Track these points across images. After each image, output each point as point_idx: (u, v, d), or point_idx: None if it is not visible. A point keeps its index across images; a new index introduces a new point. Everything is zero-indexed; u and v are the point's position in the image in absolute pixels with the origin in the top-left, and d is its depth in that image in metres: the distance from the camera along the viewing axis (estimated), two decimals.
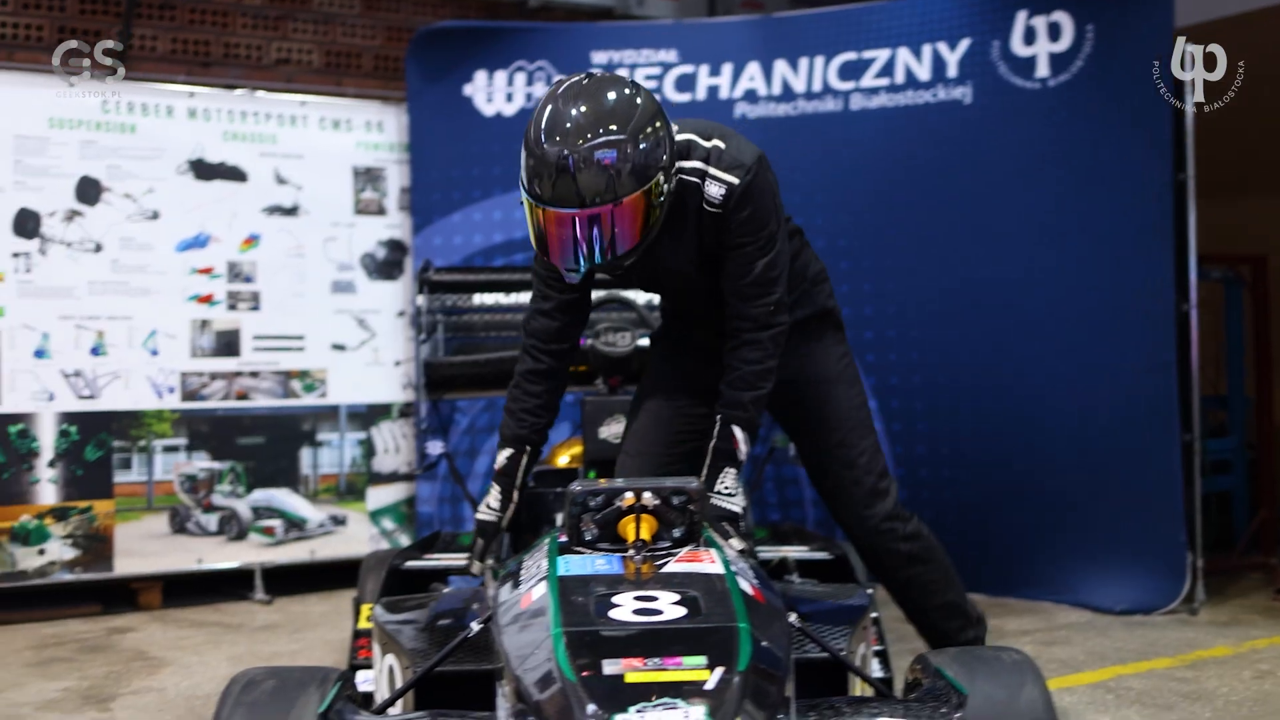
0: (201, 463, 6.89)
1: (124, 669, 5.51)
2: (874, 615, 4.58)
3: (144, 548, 6.75)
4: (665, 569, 2.90)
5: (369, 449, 7.22)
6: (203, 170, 6.90)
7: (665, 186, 3.39)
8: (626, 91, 3.38)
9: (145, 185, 6.76)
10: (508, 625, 2.74)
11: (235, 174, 6.98)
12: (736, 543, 3.58)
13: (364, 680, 4.00)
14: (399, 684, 3.53)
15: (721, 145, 3.57)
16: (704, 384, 3.90)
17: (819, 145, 6.83)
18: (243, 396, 6.97)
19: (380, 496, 7.30)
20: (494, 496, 3.90)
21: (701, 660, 2.37)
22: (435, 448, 4.87)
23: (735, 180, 3.50)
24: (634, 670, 2.34)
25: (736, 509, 3.71)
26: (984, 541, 6.53)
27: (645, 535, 3.04)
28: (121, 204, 6.70)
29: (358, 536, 7.21)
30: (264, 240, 7.03)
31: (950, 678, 2.91)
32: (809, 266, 4.07)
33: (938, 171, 6.60)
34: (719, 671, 2.33)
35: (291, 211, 7.11)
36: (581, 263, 3.37)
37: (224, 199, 6.94)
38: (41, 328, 6.51)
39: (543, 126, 3.30)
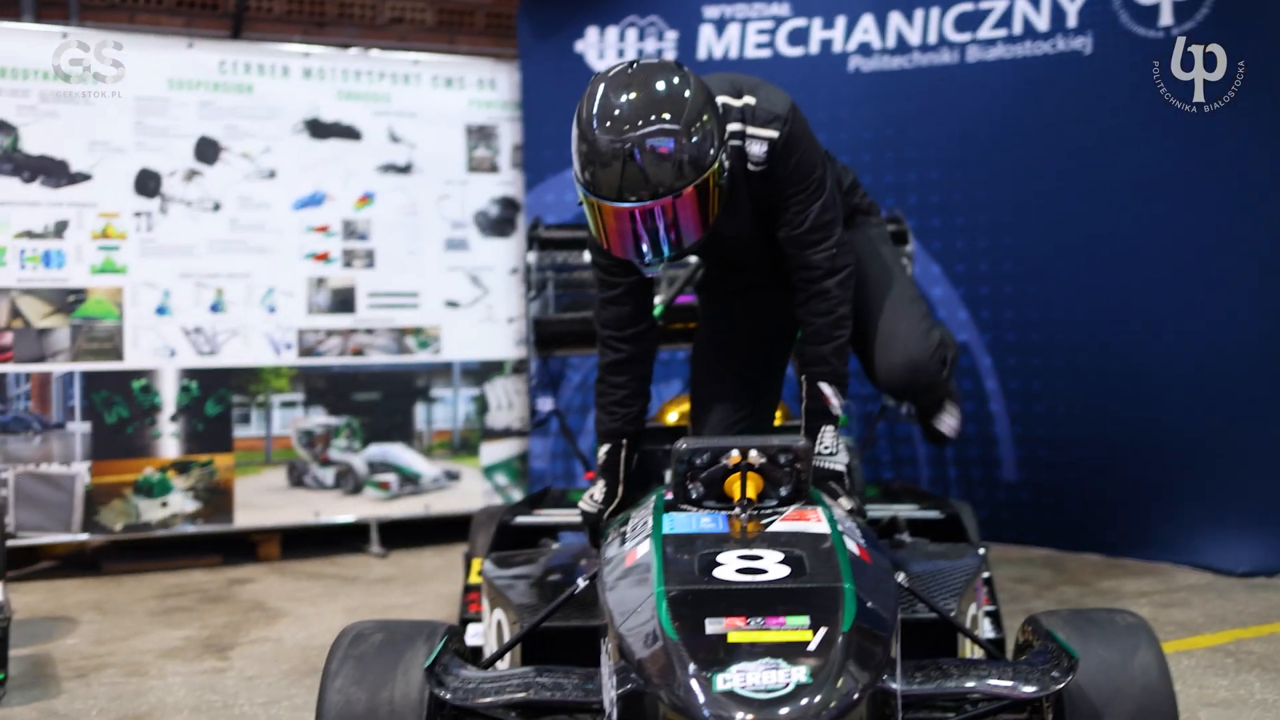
0: (318, 418, 7.00)
1: (242, 619, 5.63)
2: (986, 575, 4.53)
3: (263, 501, 6.88)
4: (770, 528, 2.87)
5: (482, 405, 7.28)
6: (318, 129, 6.97)
7: (724, 169, 3.32)
8: (675, 80, 3.26)
9: (262, 144, 6.85)
10: (612, 582, 2.74)
11: (350, 133, 7.04)
12: (845, 502, 3.55)
13: (474, 634, 4.05)
14: (506, 638, 3.56)
15: (752, 101, 3.46)
16: (758, 333, 3.90)
17: (934, 99, 6.71)
18: (358, 353, 7.06)
19: (493, 452, 7.36)
20: (599, 489, 3.86)
21: (805, 620, 2.35)
22: (545, 404, 4.89)
23: (775, 134, 3.41)
24: (736, 630, 2.33)
25: (839, 467, 3.65)
26: (1102, 502, 6.42)
27: (751, 494, 3.02)
28: (239, 163, 6.80)
29: (471, 492, 7.28)
30: (378, 198, 7.10)
31: (1062, 641, 2.86)
32: (841, 181, 3.96)
33: (1055, 124, 6.43)
34: (822, 632, 2.31)
35: (405, 170, 7.16)
36: (648, 255, 3.30)
37: (339, 157, 7.01)
38: (162, 285, 6.65)
39: (594, 114, 3.20)
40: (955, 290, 6.68)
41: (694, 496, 3.08)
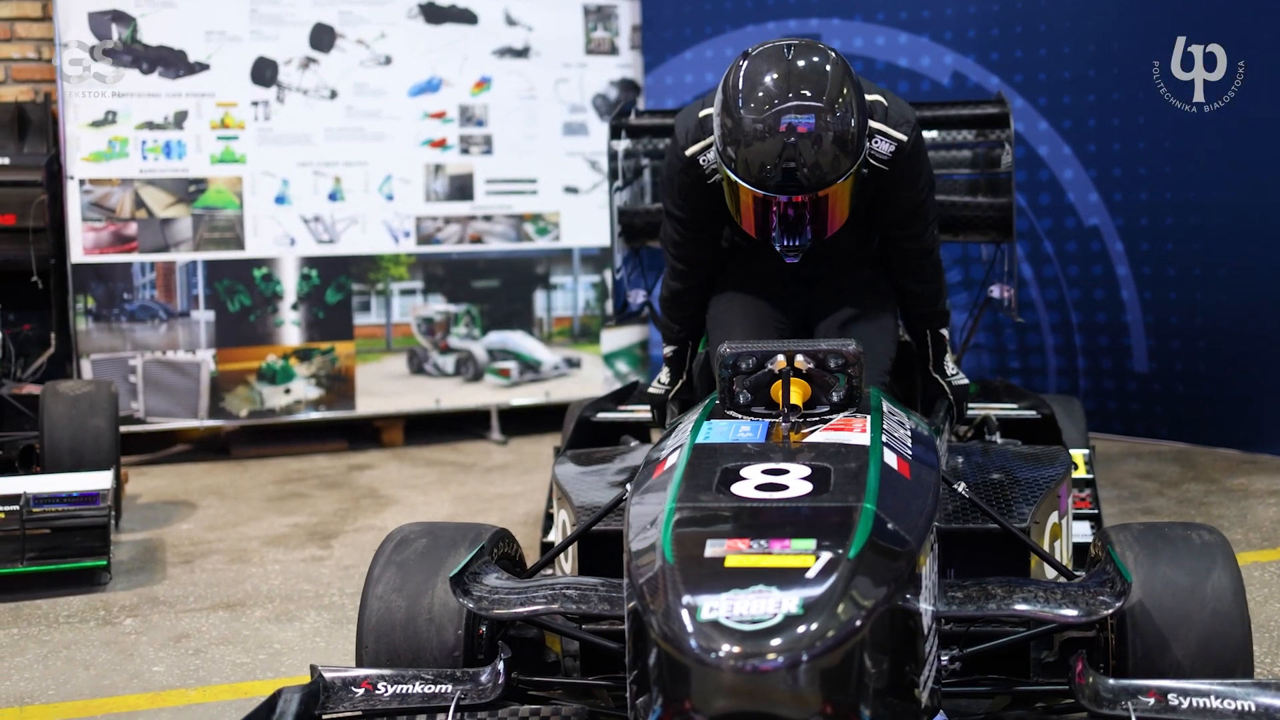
0: (437, 305, 7.02)
1: (353, 506, 5.73)
2: (1087, 477, 4.36)
3: (384, 388, 6.96)
4: (809, 439, 2.75)
5: (602, 292, 7.22)
6: (433, 14, 6.90)
7: (869, 154, 3.31)
8: (829, 64, 3.13)
9: (377, 30, 6.81)
10: (637, 494, 2.66)
11: (466, 16, 6.96)
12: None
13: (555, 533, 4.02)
14: None
15: (884, 101, 3.39)
16: (788, 318, 3.76)
17: None
18: (476, 240, 7.04)
19: (614, 339, 7.32)
20: (665, 374, 3.96)
21: (810, 544, 2.24)
22: (638, 296, 4.79)
23: (904, 137, 3.37)
24: (736, 553, 2.24)
25: (964, 381, 3.84)
26: (1238, 395, 6.11)
27: (797, 400, 2.90)
28: (354, 50, 6.78)
29: (592, 379, 7.26)
30: (495, 83, 7.02)
31: (1119, 562, 2.71)
32: None
33: None
34: (825, 558, 2.20)
35: (522, 53, 7.06)
36: (786, 243, 3.25)
37: (455, 42, 6.94)
38: (281, 174, 6.69)
39: (742, 90, 3.10)
40: (1086, 172, 6.36)
41: (741, 401, 2.98)
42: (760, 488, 2.49)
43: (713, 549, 2.25)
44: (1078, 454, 4.43)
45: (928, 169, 3.56)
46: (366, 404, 6.94)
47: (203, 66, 6.54)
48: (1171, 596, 2.70)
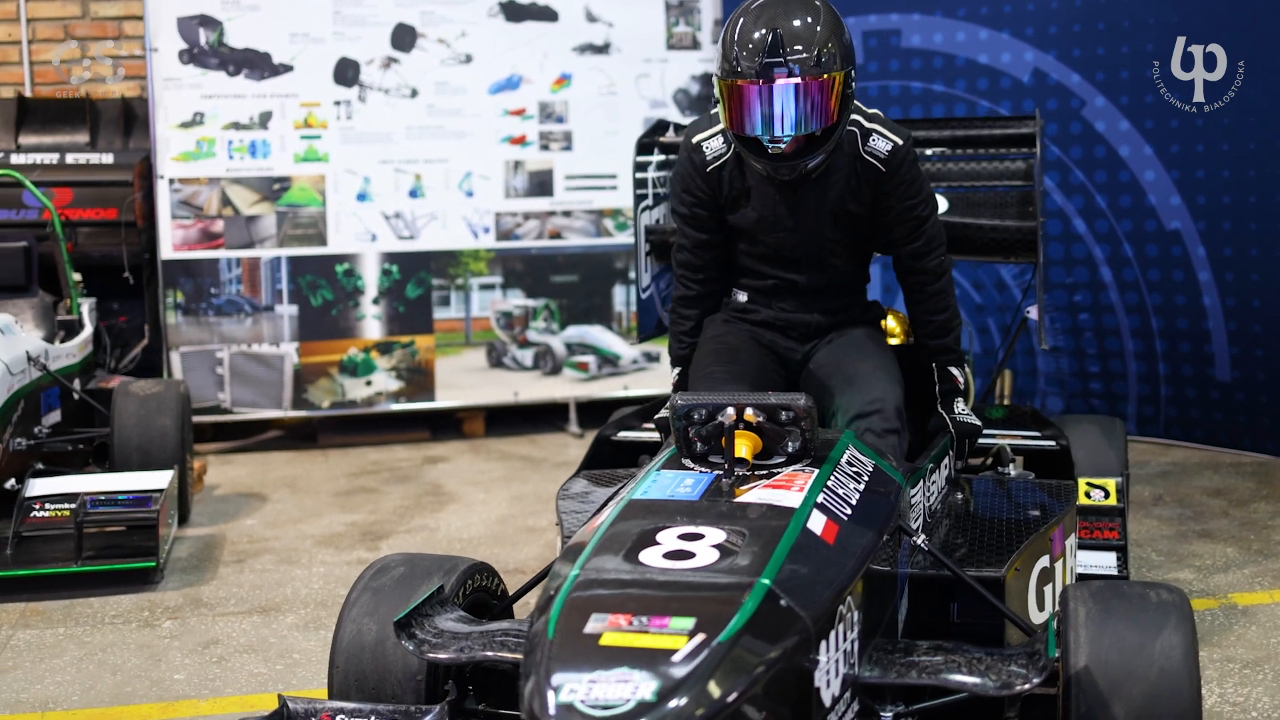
0: (516, 300, 7.13)
1: (414, 504, 5.87)
2: (1116, 506, 4.28)
3: (463, 380, 7.10)
4: (745, 496, 2.78)
5: None
6: (514, 11, 6.97)
7: (853, 90, 3.50)
8: (817, 2, 3.48)
9: (458, 29, 6.91)
10: (561, 554, 2.71)
11: (546, 14, 7.01)
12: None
13: None
14: None
15: (880, 114, 3.72)
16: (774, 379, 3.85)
17: None
18: (556, 236, 7.12)
19: None
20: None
21: (687, 624, 2.27)
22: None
23: (901, 140, 3.64)
24: (616, 630, 2.27)
25: (978, 423, 3.87)
26: None
27: (747, 454, 2.93)
28: (435, 49, 6.89)
29: (670, 374, 7.26)
30: (575, 79, 7.07)
31: (1051, 634, 2.69)
32: None
33: None
34: (696, 640, 2.23)
35: (603, 49, 7.10)
36: (777, 128, 3.41)
37: (535, 39, 7.00)
38: (362, 172, 6.85)
39: (739, 23, 3.44)
40: (1169, 174, 6.17)
41: (699, 450, 3.01)
42: (668, 555, 2.52)
43: (594, 624, 2.29)
44: (1109, 481, 4.35)
45: (926, 186, 3.74)
46: (446, 396, 7.08)
47: (287, 68, 6.72)
48: (1119, 654, 2.67)
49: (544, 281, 7.13)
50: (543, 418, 7.36)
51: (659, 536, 2.59)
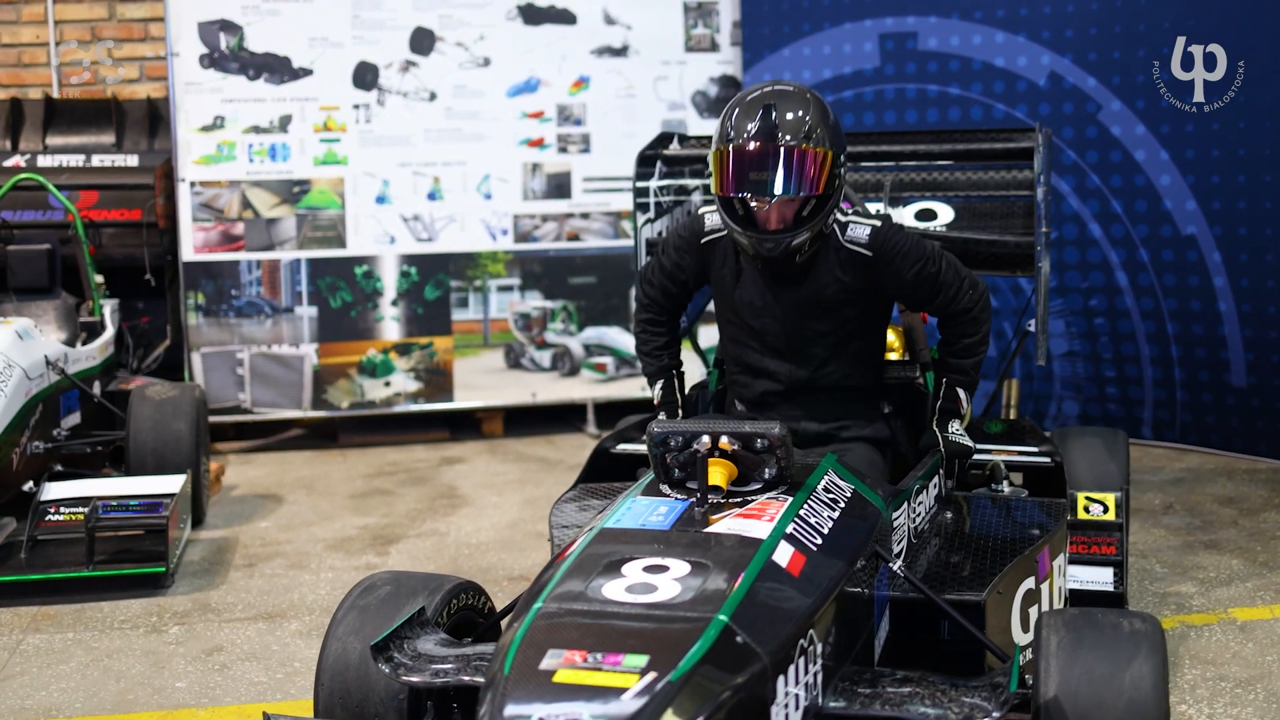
0: (534, 302, 7.17)
1: (427, 507, 5.93)
2: (1115, 521, 4.28)
3: (481, 381, 7.15)
4: (715, 525, 2.81)
5: None
6: (532, 15, 7.00)
7: (841, 177, 3.56)
8: (808, 94, 3.58)
9: (476, 33, 6.95)
10: (536, 578, 2.75)
11: (564, 16, 7.04)
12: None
13: None
14: None
15: (860, 209, 3.88)
16: None
17: None
18: (573, 237, 7.16)
19: (712, 335, 7.32)
20: (661, 418, 4.05)
21: (640, 662, 2.30)
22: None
23: (878, 222, 3.67)
24: (570, 667, 2.31)
25: (970, 445, 3.87)
26: None
27: (721, 482, 2.96)
28: (454, 53, 6.94)
29: (690, 375, 7.25)
30: (593, 82, 7.10)
31: (1015, 667, 2.71)
32: None
33: None
34: (647, 679, 2.26)
35: (621, 52, 7.12)
36: (763, 189, 3.45)
37: (553, 42, 7.04)
38: (381, 175, 6.91)
39: (735, 108, 3.54)
40: (1184, 178, 6.14)
41: (677, 477, 3.05)
42: (631, 588, 2.55)
43: (550, 660, 2.33)
44: (1108, 496, 4.34)
45: (924, 246, 3.70)
46: (465, 397, 7.14)
47: (306, 72, 6.79)
48: (1088, 684, 2.71)
49: (562, 283, 7.17)
50: (562, 417, 7.41)
51: (624, 569, 2.63)
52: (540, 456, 6.81)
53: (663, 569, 2.62)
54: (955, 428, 3.86)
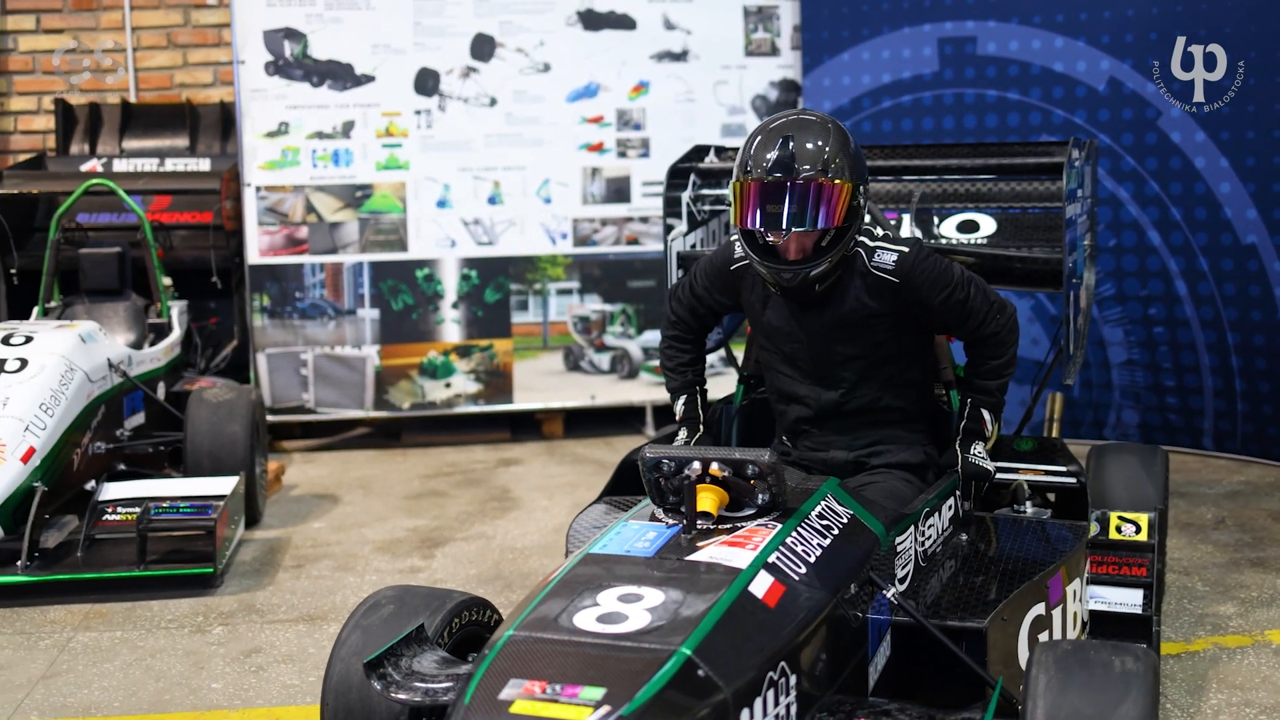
0: (593, 305, 7.24)
1: (478, 510, 6.03)
2: (1147, 542, 4.22)
3: (541, 383, 7.24)
4: (699, 553, 2.85)
5: None
6: (591, 20, 7.06)
7: (861, 206, 3.59)
8: (829, 124, 3.59)
9: (536, 39, 7.02)
10: (518, 603, 2.81)
11: (624, 22, 7.09)
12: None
13: None
14: None
15: (880, 231, 3.78)
16: None
17: None
18: (633, 241, 7.21)
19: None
20: (683, 434, 4.13)
21: (597, 694, 2.35)
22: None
23: (906, 248, 3.67)
24: (529, 698, 2.36)
25: (990, 468, 3.85)
26: None
27: (711, 508, 2.99)
28: (514, 58, 7.02)
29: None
30: (653, 87, 7.15)
31: (995, 697, 2.72)
32: None
33: None
34: (600, 713, 2.31)
35: (681, 57, 7.15)
36: (780, 222, 3.48)
37: (613, 48, 7.09)
38: (442, 179, 7.02)
39: (756, 139, 3.56)
40: (1244, 186, 6.04)
41: (671, 501, 3.09)
42: (602, 618, 2.60)
43: (509, 691, 2.39)
44: (1141, 516, 4.29)
45: (953, 271, 3.69)
46: (524, 399, 7.24)
47: (369, 78, 6.91)
48: None
49: (621, 286, 7.23)
50: (621, 419, 7.48)
51: (599, 596, 2.68)
52: (597, 459, 6.88)
53: (637, 598, 2.66)
54: (978, 449, 3.84)
